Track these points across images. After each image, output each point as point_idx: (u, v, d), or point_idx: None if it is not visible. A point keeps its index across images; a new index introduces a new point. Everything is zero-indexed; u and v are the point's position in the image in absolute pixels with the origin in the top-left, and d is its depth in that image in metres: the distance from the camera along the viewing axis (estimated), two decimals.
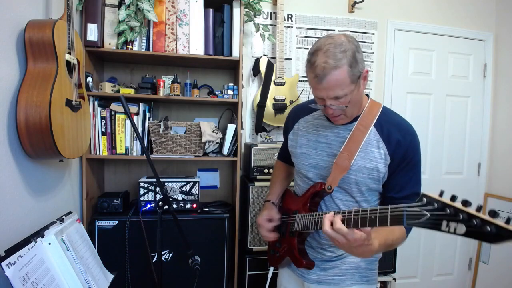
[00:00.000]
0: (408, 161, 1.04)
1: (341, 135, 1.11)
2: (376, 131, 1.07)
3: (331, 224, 0.89)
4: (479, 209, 0.60)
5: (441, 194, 0.66)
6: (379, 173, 1.05)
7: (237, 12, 1.94)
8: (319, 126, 1.18)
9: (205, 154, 2.00)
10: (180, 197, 1.88)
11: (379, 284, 2.13)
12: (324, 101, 1.01)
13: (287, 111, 2.15)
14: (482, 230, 0.57)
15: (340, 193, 1.11)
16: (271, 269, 1.40)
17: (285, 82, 2.17)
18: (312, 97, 1.15)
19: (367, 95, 1.15)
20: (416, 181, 1.08)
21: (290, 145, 1.28)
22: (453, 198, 0.63)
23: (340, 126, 1.12)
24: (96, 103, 1.81)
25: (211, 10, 1.93)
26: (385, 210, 0.78)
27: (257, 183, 1.90)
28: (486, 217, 0.57)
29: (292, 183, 1.42)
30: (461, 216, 0.60)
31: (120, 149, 1.86)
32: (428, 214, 0.65)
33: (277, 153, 1.92)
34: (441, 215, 0.62)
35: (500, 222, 0.56)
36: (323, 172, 1.13)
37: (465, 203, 0.61)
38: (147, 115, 1.90)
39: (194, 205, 1.89)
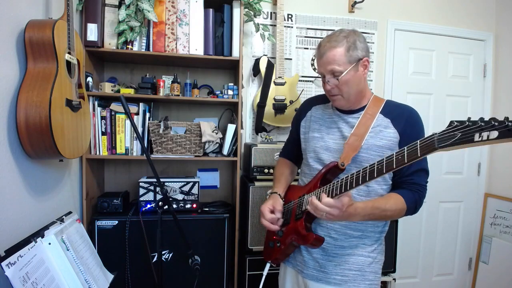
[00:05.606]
0: (415, 138, 1.06)
1: (350, 122, 1.19)
2: (384, 116, 1.17)
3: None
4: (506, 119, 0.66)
5: (468, 119, 0.72)
6: (391, 150, 1.06)
7: (237, 12, 1.94)
8: (331, 114, 1.26)
9: (205, 154, 2.00)
10: (180, 197, 1.88)
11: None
12: (324, 77, 1.15)
13: (287, 111, 2.15)
14: None
15: None
16: (267, 266, 1.35)
17: (285, 82, 2.17)
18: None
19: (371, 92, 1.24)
20: (424, 157, 1.14)
21: (302, 131, 1.33)
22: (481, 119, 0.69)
23: (349, 114, 1.21)
24: (96, 103, 1.81)
25: (211, 10, 1.93)
26: (414, 144, 0.82)
27: (257, 183, 1.90)
28: None
29: (293, 183, 1.42)
30: (492, 123, 0.66)
31: (120, 149, 1.86)
32: (459, 134, 0.69)
33: (277, 153, 1.93)
34: (474, 128, 0.67)
35: None
36: (335, 154, 1.18)
37: (492, 118, 0.67)
38: (147, 115, 1.90)
39: (194, 205, 1.89)
